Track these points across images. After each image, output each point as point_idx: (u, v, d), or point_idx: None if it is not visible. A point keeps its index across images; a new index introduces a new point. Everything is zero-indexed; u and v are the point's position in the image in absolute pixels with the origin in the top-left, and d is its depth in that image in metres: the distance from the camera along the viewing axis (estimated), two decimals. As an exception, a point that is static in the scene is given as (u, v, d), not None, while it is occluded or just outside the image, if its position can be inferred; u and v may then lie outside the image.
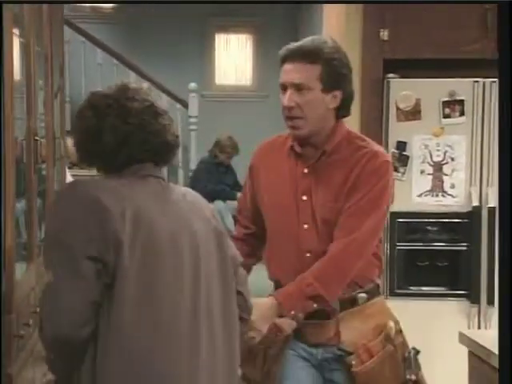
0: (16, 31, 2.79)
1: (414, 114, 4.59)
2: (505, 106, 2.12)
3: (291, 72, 2.79)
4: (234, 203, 8.72)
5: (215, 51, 10.87)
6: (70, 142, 4.33)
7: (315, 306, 2.72)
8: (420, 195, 4.70)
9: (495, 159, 4.63)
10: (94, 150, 2.21)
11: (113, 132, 2.19)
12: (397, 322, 2.88)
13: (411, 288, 4.68)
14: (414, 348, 2.85)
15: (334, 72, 2.74)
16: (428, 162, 4.68)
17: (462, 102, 4.63)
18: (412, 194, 4.68)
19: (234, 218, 8.73)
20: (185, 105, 9.42)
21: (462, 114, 4.63)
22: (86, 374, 2.04)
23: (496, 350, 2.70)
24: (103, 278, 2.01)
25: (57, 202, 2.19)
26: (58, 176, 4.10)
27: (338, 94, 2.77)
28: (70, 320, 2.00)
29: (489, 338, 2.94)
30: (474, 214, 4.67)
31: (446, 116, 4.63)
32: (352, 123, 3.97)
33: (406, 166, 4.65)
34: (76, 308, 1.99)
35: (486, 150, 4.66)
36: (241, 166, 9.20)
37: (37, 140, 3.14)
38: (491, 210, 4.63)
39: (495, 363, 2.72)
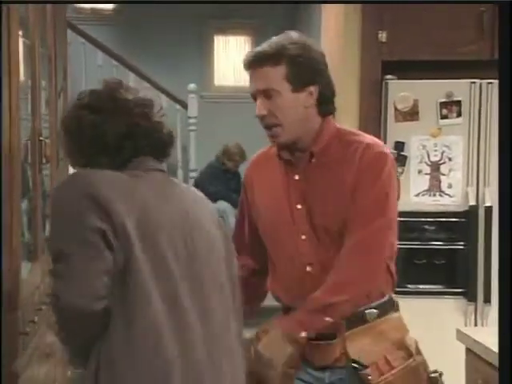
0: (20, 32, 2.81)
1: (411, 114, 4.63)
2: (505, 106, 2.12)
3: (256, 79, 2.61)
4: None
5: (214, 53, 10.89)
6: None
7: (328, 319, 2.48)
8: (417, 195, 4.74)
9: (492, 159, 4.67)
10: (94, 147, 2.18)
11: (115, 125, 2.18)
12: (415, 342, 2.61)
13: (409, 286, 4.72)
14: (436, 370, 2.61)
15: (301, 68, 2.53)
16: (425, 162, 4.71)
17: (459, 102, 4.67)
18: (410, 193, 4.72)
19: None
20: (184, 106, 9.46)
21: (459, 114, 4.67)
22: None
23: (492, 347, 2.75)
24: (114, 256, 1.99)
25: (59, 187, 2.16)
26: (61, 176, 4.14)
27: (313, 89, 2.55)
28: (83, 291, 1.97)
29: (485, 335, 2.98)
30: (471, 213, 4.71)
31: (444, 117, 4.67)
32: (351, 124, 4.02)
33: (403, 165, 4.69)
34: (89, 278, 1.96)
35: (482, 150, 4.70)
36: (243, 171, 9.25)
37: (41, 140, 3.17)
38: (488, 210, 4.67)
39: (491, 360, 2.76)
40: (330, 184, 2.56)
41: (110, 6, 10.11)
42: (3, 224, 2.43)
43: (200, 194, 2.38)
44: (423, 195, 4.74)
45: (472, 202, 4.70)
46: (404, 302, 2.73)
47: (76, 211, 2.00)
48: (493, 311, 4.68)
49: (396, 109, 4.57)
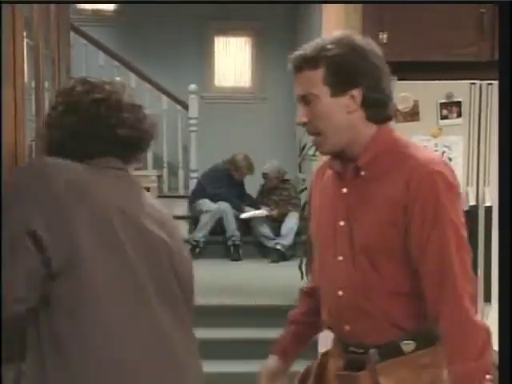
0: (24, 34, 2.84)
1: (412, 115, 4.65)
2: (505, 106, 2.11)
3: (297, 84, 2.37)
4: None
5: (215, 53, 10.94)
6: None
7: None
8: (418, 195, 4.76)
9: (492, 159, 4.69)
10: (57, 139, 2.22)
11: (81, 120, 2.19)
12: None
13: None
14: None
15: (340, 70, 2.30)
16: (426, 162, 4.74)
17: (459, 103, 4.68)
18: (410, 193, 4.74)
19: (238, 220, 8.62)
20: (185, 106, 9.49)
21: (459, 115, 4.69)
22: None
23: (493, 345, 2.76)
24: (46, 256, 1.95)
25: (14, 176, 2.14)
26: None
27: (356, 92, 2.30)
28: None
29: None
30: (471, 212, 4.73)
31: (444, 117, 4.69)
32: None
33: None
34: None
35: (482, 150, 4.72)
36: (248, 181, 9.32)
37: (45, 141, 3.19)
38: (488, 209, 4.68)
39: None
40: (377, 201, 2.31)
41: (111, 8, 10.14)
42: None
43: (161, 208, 2.33)
44: (424, 195, 4.75)
45: (472, 202, 4.72)
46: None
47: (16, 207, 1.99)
48: (493, 311, 4.70)
49: (397, 109, 4.59)
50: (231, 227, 8.84)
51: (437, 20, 4.68)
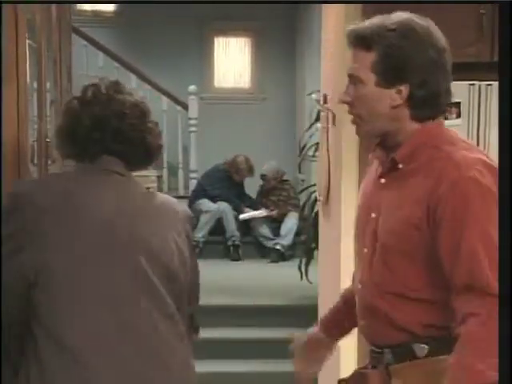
0: (27, 35, 2.86)
1: (411, 115, 4.68)
2: (505, 106, 2.10)
3: (351, 60, 2.26)
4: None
5: (214, 54, 10.95)
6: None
7: None
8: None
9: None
10: (70, 135, 2.26)
11: (90, 117, 2.24)
12: None
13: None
14: None
15: (391, 61, 2.17)
16: (426, 163, 4.75)
17: (458, 104, 4.70)
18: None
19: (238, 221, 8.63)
20: (185, 107, 9.51)
21: (458, 116, 4.70)
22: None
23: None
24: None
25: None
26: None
27: (404, 88, 2.18)
28: None
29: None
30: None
31: (443, 118, 4.72)
32: (351, 125, 4.06)
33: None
34: None
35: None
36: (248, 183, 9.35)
37: (48, 141, 3.22)
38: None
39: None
40: (404, 198, 2.20)
41: (111, 9, 10.16)
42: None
43: (163, 200, 2.36)
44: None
45: (471, 203, 4.74)
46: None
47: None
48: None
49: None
50: (231, 227, 8.86)
51: (436, 21, 4.70)
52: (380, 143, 2.31)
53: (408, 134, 2.23)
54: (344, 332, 2.63)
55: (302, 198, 7.81)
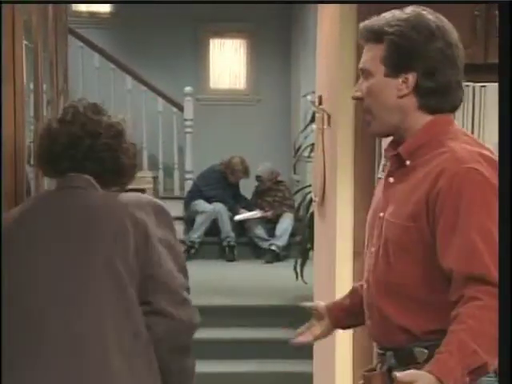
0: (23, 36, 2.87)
1: (406, 117, 4.69)
2: (505, 106, 2.09)
3: (363, 55, 2.28)
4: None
5: (210, 56, 10.97)
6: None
7: (468, 380, 1.99)
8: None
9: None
10: (47, 153, 2.34)
11: (67, 136, 2.32)
12: None
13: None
14: None
15: (399, 50, 2.19)
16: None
17: (452, 105, 4.73)
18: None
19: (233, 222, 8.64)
20: (180, 108, 9.52)
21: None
22: None
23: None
24: None
25: None
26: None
27: (410, 77, 2.19)
28: None
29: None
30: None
31: (438, 119, 4.73)
32: (347, 125, 4.06)
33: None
34: None
35: (476, 151, 4.77)
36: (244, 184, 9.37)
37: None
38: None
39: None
40: (409, 193, 2.19)
41: (107, 10, 10.17)
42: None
43: (108, 212, 2.30)
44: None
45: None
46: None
47: None
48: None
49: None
50: (226, 228, 8.88)
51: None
52: (392, 142, 2.31)
53: (416, 128, 2.23)
54: (346, 318, 2.61)
55: (297, 198, 7.82)
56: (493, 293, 1.98)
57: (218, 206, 8.91)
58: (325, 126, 4.36)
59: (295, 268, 6.67)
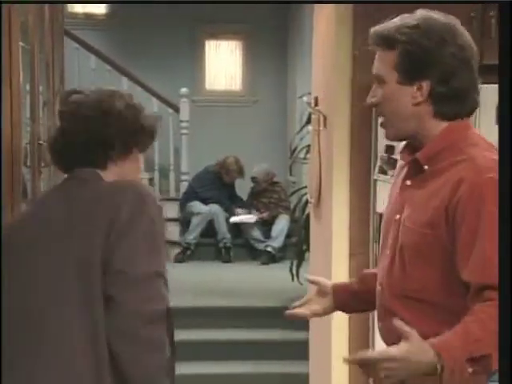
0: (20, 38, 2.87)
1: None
2: (505, 107, 2.10)
3: (374, 61, 2.27)
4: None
5: (205, 57, 10.97)
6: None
7: (470, 370, 1.98)
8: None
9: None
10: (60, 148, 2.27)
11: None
12: None
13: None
14: None
15: (411, 57, 2.16)
16: (416, 165, 4.76)
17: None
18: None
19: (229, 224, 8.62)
20: (176, 109, 9.52)
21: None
22: None
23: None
24: None
25: None
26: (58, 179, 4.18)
27: (425, 84, 2.16)
28: None
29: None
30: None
31: (433, 120, 4.74)
32: (343, 127, 4.07)
33: (394, 168, 4.73)
34: None
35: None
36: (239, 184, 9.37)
37: (40, 144, 3.23)
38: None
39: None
40: (428, 198, 2.18)
41: (102, 11, 10.17)
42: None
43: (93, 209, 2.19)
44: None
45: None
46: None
47: None
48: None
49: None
50: (222, 229, 8.87)
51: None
52: (407, 145, 2.31)
53: (434, 134, 2.21)
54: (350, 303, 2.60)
55: (293, 200, 7.82)
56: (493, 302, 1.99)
57: (214, 208, 8.92)
58: (321, 128, 4.37)
59: (291, 269, 6.67)
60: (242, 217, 8.95)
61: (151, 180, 9.40)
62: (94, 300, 2.07)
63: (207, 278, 7.84)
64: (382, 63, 2.22)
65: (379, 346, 2.43)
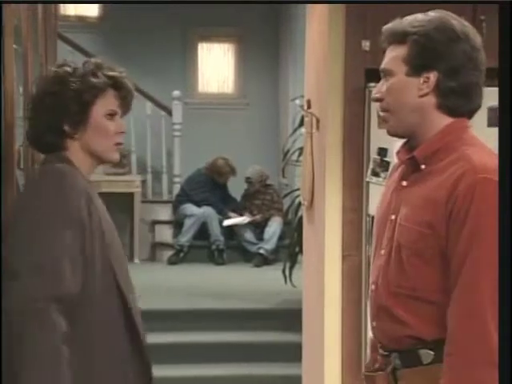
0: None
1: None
2: (504, 107, 2.10)
3: (385, 57, 2.28)
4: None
5: (198, 60, 10.98)
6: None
7: None
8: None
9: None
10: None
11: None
12: None
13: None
14: None
15: (422, 49, 2.18)
16: (408, 168, 4.77)
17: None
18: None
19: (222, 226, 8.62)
20: (169, 112, 9.53)
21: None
22: None
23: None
24: None
25: None
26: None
27: (432, 76, 2.18)
28: None
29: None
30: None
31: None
32: (335, 130, 4.08)
33: (387, 171, 4.74)
34: None
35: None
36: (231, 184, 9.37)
37: (34, 146, 3.22)
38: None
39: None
40: (422, 199, 2.19)
41: (95, 14, 10.15)
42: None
43: None
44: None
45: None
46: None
47: None
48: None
49: (379, 115, 4.61)
50: (215, 232, 8.88)
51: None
52: (405, 144, 2.32)
53: (434, 130, 2.22)
54: None
55: (286, 202, 7.84)
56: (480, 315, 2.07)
57: (207, 210, 8.93)
58: (313, 130, 4.38)
59: (284, 271, 6.68)
60: (235, 220, 8.96)
61: (144, 182, 9.41)
62: None
63: (200, 280, 7.85)
64: (392, 57, 2.24)
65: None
